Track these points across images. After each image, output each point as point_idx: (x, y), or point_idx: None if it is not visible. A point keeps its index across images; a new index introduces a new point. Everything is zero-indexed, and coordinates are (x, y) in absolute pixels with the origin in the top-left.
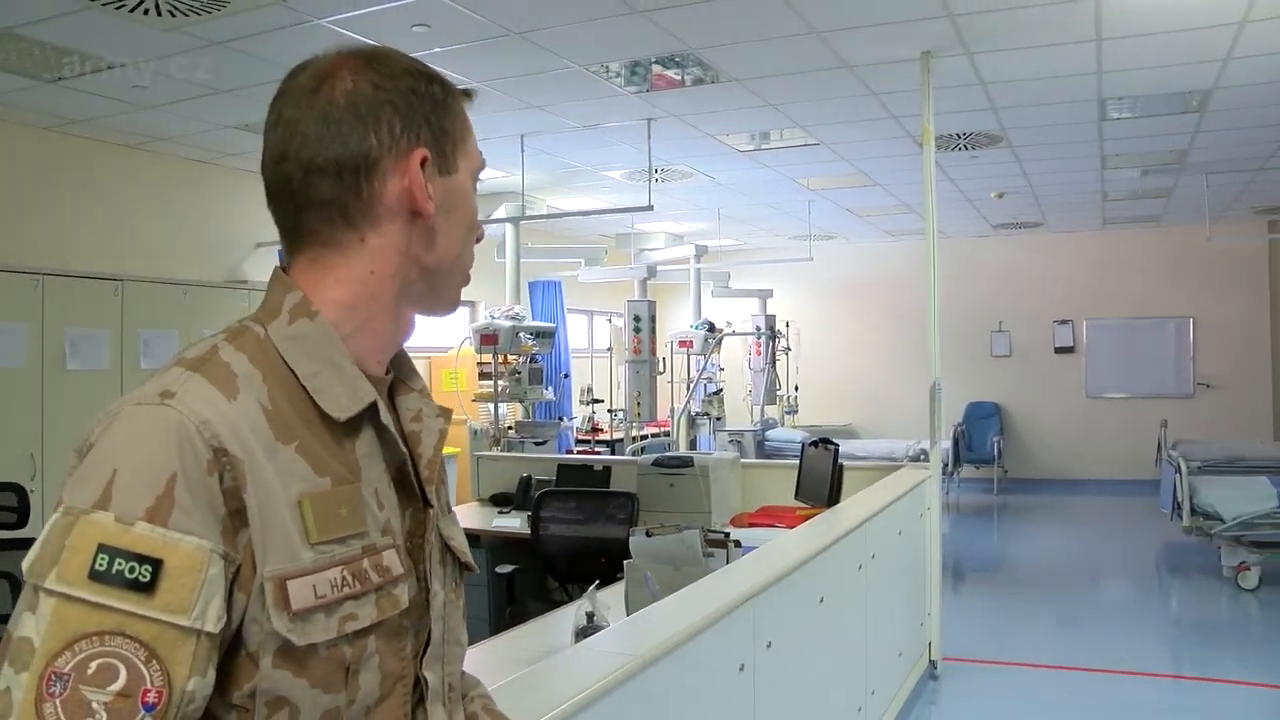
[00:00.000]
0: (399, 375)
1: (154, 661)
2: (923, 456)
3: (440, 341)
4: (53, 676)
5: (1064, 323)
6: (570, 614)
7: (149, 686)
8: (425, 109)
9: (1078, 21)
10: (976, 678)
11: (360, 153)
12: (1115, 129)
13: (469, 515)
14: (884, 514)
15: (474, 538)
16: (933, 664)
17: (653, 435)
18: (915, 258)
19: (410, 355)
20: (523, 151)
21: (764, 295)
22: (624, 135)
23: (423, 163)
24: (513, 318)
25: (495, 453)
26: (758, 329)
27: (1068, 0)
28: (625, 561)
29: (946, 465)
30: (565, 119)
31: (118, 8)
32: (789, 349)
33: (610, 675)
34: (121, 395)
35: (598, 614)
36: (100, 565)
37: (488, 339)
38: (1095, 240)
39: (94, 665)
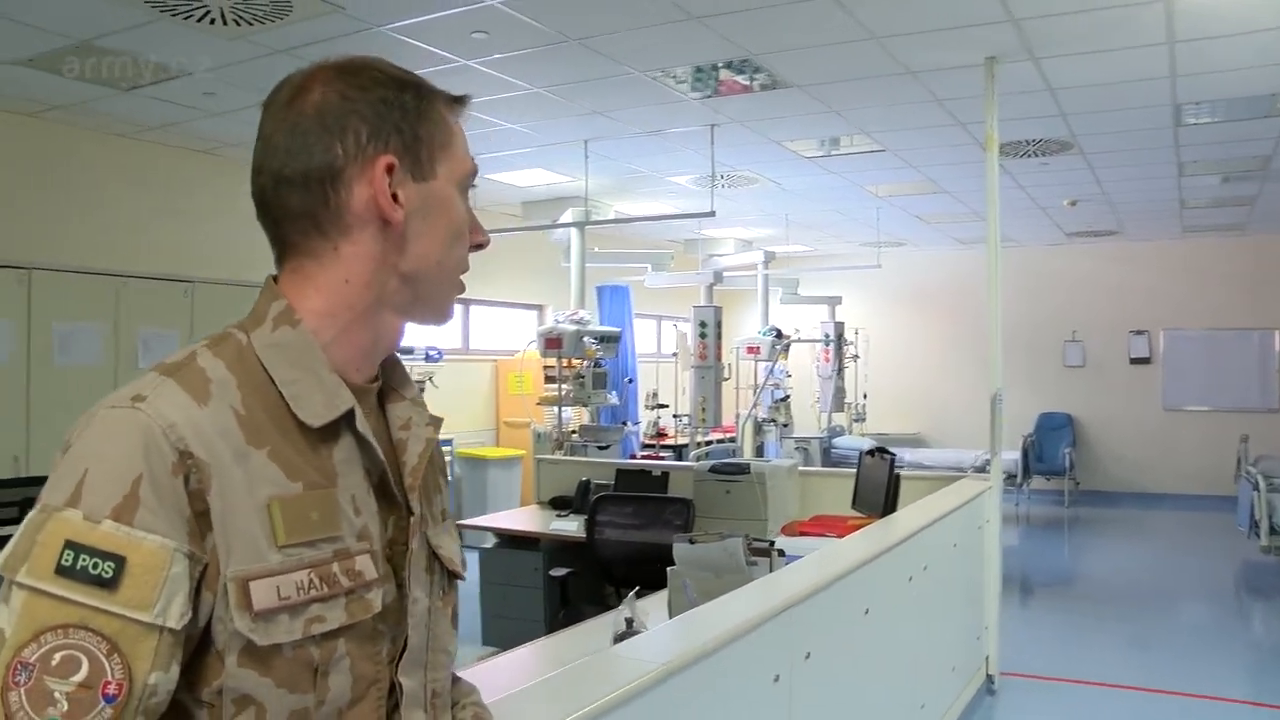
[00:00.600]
0: (391, 383)
1: (115, 655)
2: (988, 467)
3: (507, 345)
4: (19, 666)
5: (1140, 333)
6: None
7: (110, 679)
8: (395, 117)
9: (1148, 24)
10: (1038, 694)
11: (325, 163)
12: (1192, 134)
13: (528, 518)
14: (938, 525)
15: (532, 540)
16: (990, 679)
17: (717, 441)
18: (986, 266)
19: (479, 357)
20: (586, 157)
21: (833, 302)
22: (688, 141)
23: (390, 169)
24: (577, 322)
25: (555, 456)
26: (826, 336)
27: (1136, 3)
28: (669, 568)
29: (1015, 476)
30: (628, 124)
31: (185, 18)
32: (857, 356)
33: (634, 682)
34: None
35: (637, 620)
36: (66, 561)
37: (552, 343)
38: (1175, 249)
39: (58, 657)
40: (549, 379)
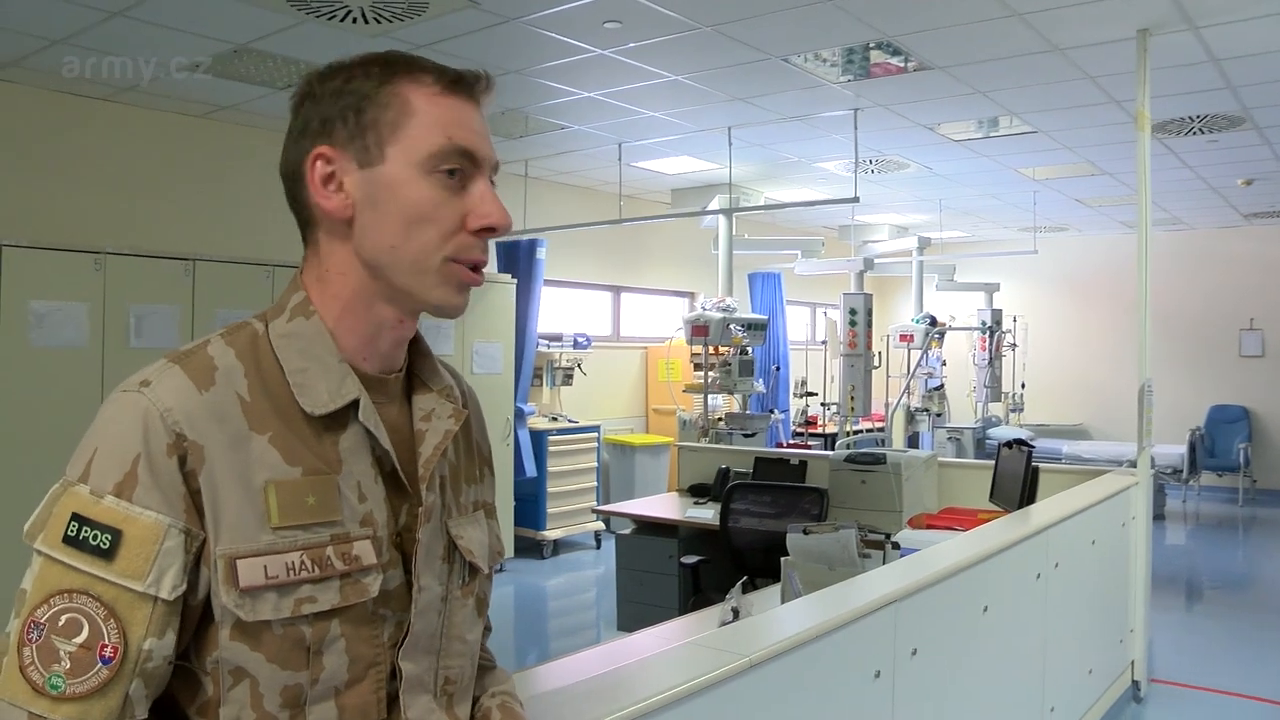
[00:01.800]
0: (420, 374)
1: (112, 620)
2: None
3: (658, 332)
4: (32, 624)
5: None
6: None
7: (106, 642)
8: (340, 105)
9: None
10: (1192, 705)
11: (292, 160)
12: None
13: (666, 505)
14: (1073, 521)
15: (669, 527)
16: (1135, 684)
17: (867, 430)
18: (1153, 250)
19: (629, 345)
20: (730, 144)
21: (990, 289)
22: (833, 126)
23: (324, 159)
24: (724, 309)
25: (696, 444)
26: (983, 323)
27: None
28: (782, 559)
29: (1180, 472)
30: (771, 111)
31: (329, 19)
32: (1015, 344)
33: (712, 673)
34: None
35: (743, 610)
36: (72, 531)
37: (699, 330)
38: None
39: (64, 619)
40: (696, 366)
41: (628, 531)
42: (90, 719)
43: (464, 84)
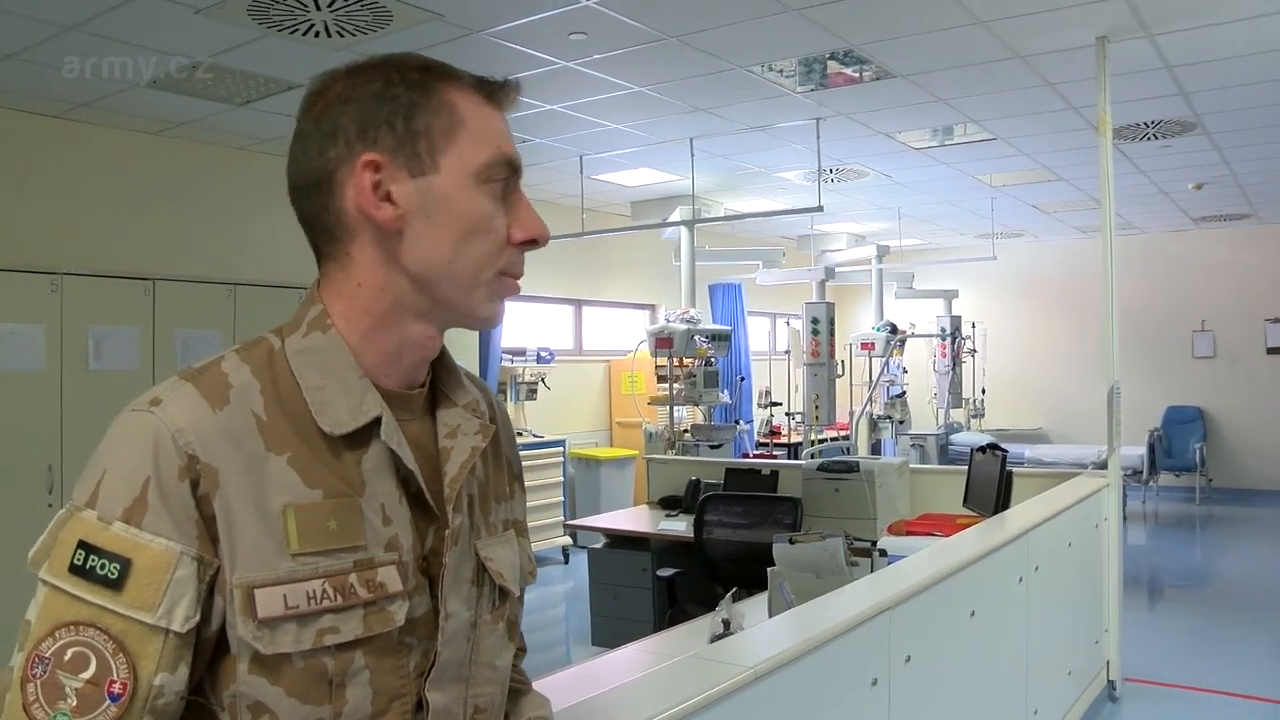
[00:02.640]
0: (444, 388)
1: (121, 654)
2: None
3: (619, 345)
4: (37, 659)
5: (1277, 321)
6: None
7: (115, 678)
8: (386, 110)
9: None
10: (1166, 703)
11: (319, 168)
12: None
13: (638, 518)
14: (1050, 524)
15: (641, 540)
16: (1111, 684)
17: (831, 439)
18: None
19: (592, 358)
20: (692, 155)
21: (949, 296)
22: (793, 136)
23: (374, 167)
24: (688, 321)
25: (664, 456)
26: (942, 330)
27: None
28: (769, 569)
29: (1140, 473)
30: (733, 121)
31: (291, 33)
32: (975, 350)
33: (719, 686)
34: None
35: (734, 621)
36: (78, 560)
37: (663, 342)
38: None
39: (70, 653)
40: (661, 379)
41: (599, 546)
42: None
43: (503, 93)
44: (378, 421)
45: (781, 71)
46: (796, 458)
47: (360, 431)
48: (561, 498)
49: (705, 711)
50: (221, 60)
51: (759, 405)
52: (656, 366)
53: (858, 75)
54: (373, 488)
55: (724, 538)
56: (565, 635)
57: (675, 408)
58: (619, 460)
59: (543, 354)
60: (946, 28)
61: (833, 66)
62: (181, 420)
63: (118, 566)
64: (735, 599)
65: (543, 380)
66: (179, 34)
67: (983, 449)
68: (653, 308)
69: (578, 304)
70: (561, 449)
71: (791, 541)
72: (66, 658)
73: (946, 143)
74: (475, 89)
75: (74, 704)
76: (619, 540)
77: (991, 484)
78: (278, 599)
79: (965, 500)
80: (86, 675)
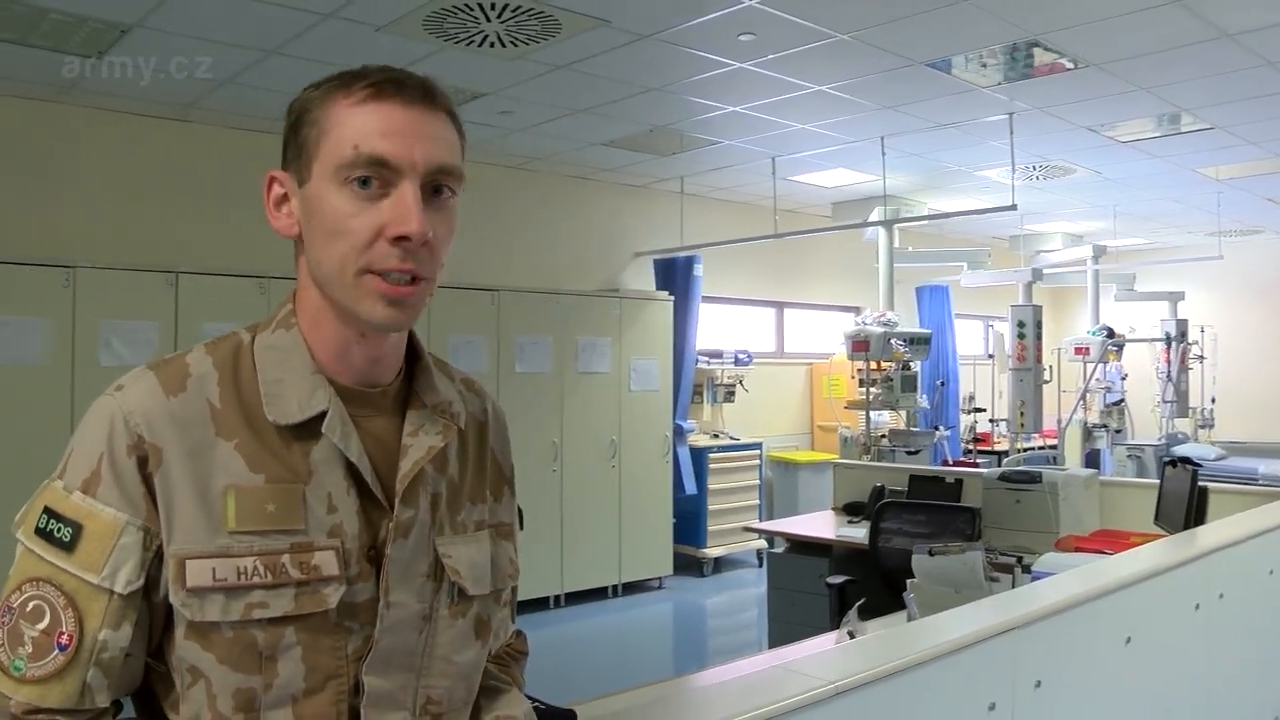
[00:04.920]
0: (416, 388)
1: (70, 610)
2: None
3: (822, 348)
4: (6, 608)
5: None
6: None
7: (63, 630)
8: (288, 125)
9: None
10: None
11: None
12: None
13: (820, 523)
14: (1242, 547)
15: (823, 546)
16: None
17: (1038, 448)
18: None
19: (793, 361)
20: (883, 153)
21: (1174, 298)
22: (988, 132)
23: (275, 182)
24: (885, 323)
25: (851, 461)
26: (1166, 335)
27: None
28: (908, 581)
29: None
30: (922, 118)
31: (466, 44)
32: (1203, 356)
33: (784, 701)
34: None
35: (858, 634)
36: (42, 524)
37: (859, 345)
38: None
39: (31, 605)
40: (860, 382)
41: (780, 550)
42: (48, 701)
43: (388, 89)
44: (319, 416)
45: (965, 65)
46: (1001, 466)
47: (310, 423)
48: (758, 500)
49: None
50: (415, 69)
51: (963, 411)
52: (854, 370)
53: (1047, 66)
54: (320, 477)
55: (900, 546)
56: (758, 638)
57: (874, 412)
58: (817, 464)
59: (740, 356)
60: (1136, 9)
61: (1019, 58)
62: (134, 404)
63: (70, 531)
64: (861, 612)
65: (740, 382)
66: (363, 52)
67: (1173, 461)
68: (856, 310)
69: (779, 306)
70: (758, 452)
71: (931, 553)
72: (28, 609)
73: (1157, 135)
74: (362, 89)
75: (29, 650)
76: (801, 545)
77: (1181, 500)
78: (206, 571)
79: (1156, 517)
80: (41, 626)
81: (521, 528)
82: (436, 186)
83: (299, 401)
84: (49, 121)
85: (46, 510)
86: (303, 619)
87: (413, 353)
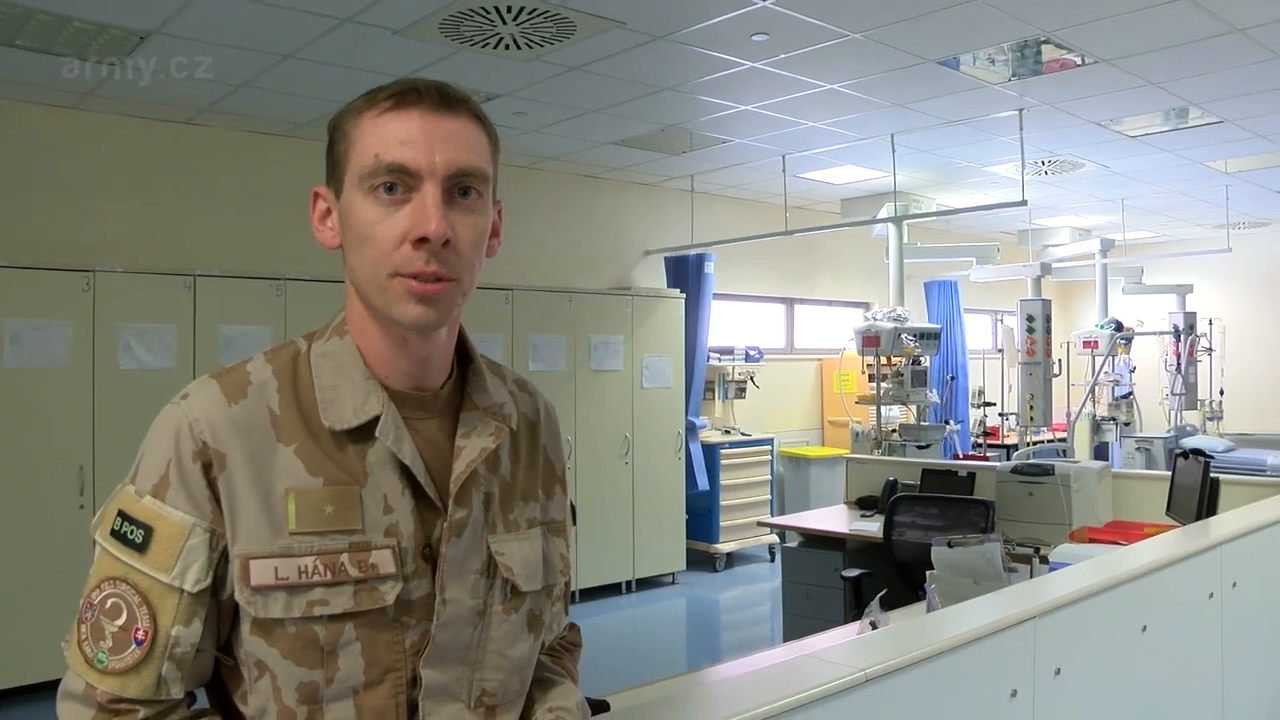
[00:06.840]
0: (469, 390)
1: (145, 607)
2: None
3: (831, 343)
4: (88, 605)
5: None
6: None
7: (139, 626)
8: (327, 144)
9: None
10: None
11: None
12: None
13: (834, 518)
14: (1255, 537)
15: (837, 540)
16: None
17: (1047, 441)
18: None
19: (803, 356)
20: (893, 150)
21: (1182, 291)
22: (998, 128)
23: (318, 197)
24: (895, 319)
25: (863, 456)
26: (1175, 328)
27: None
28: (927, 573)
29: None
30: (933, 116)
31: (483, 47)
32: (1211, 349)
33: (814, 689)
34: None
35: (880, 625)
36: (116, 526)
37: (869, 341)
38: None
39: (109, 602)
40: (871, 378)
41: (794, 545)
42: (128, 692)
43: (408, 97)
44: (374, 420)
45: (974, 63)
46: (1011, 460)
47: (364, 427)
48: (769, 496)
49: (803, 711)
50: (430, 73)
51: (973, 405)
52: (865, 365)
53: (1057, 62)
54: (376, 479)
55: (915, 539)
56: (771, 633)
57: (885, 407)
58: (829, 459)
59: (751, 352)
60: (1145, 6)
61: (1029, 55)
62: (199, 412)
63: (142, 533)
64: (883, 603)
65: (751, 379)
66: (379, 55)
67: (1185, 453)
68: (866, 305)
69: (789, 302)
70: (769, 447)
71: (950, 545)
72: (107, 606)
73: (1164, 129)
74: (383, 101)
75: (110, 645)
76: (814, 540)
77: (1193, 492)
78: (269, 570)
79: (1168, 509)
80: (119, 622)
81: (575, 523)
82: (463, 189)
83: (354, 407)
84: (69, 128)
85: (120, 513)
86: (361, 615)
87: (465, 355)
